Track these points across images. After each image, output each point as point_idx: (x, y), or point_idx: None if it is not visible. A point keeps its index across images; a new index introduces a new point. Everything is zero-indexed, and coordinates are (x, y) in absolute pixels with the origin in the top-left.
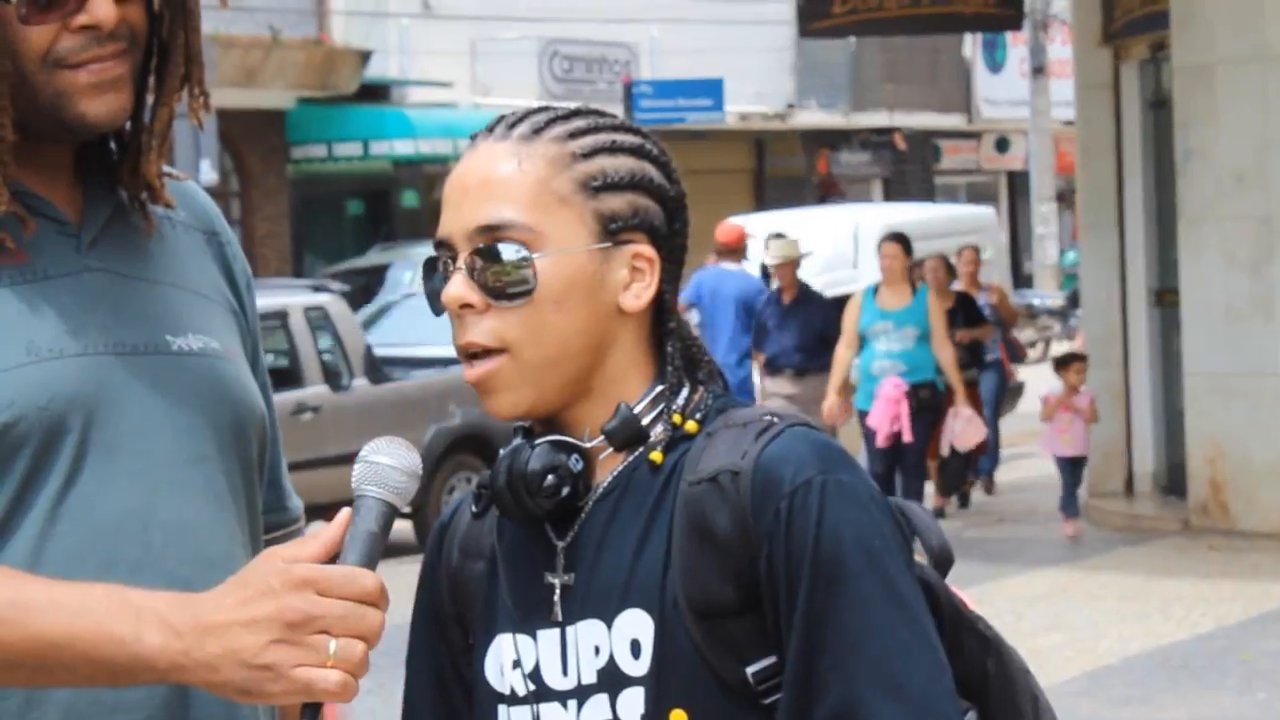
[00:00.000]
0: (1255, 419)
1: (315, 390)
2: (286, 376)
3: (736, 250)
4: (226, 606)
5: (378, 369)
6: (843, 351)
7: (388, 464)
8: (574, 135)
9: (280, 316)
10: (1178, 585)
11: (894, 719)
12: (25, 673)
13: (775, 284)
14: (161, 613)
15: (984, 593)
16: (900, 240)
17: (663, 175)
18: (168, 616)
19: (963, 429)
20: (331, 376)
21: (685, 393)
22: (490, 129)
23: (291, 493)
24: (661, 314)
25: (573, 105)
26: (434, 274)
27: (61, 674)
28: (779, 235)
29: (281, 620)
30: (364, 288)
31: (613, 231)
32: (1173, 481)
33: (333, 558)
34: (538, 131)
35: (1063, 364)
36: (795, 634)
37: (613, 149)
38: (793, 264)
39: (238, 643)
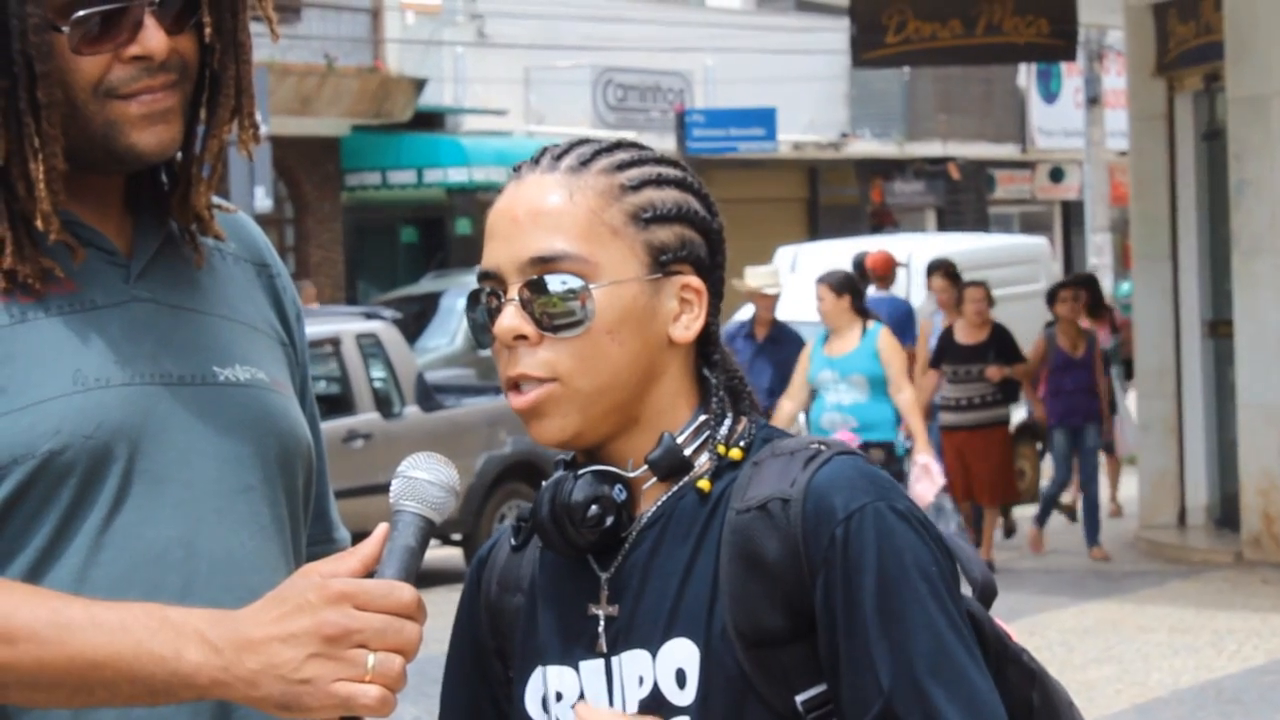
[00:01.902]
0: None
1: (367, 418)
2: (338, 404)
3: (885, 276)
4: (265, 622)
5: (429, 396)
6: (784, 404)
7: (425, 479)
8: (621, 168)
9: (333, 343)
10: (1230, 618)
11: (955, 716)
12: (66, 692)
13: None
14: (201, 630)
15: (1036, 624)
16: (834, 282)
17: (704, 208)
18: (207, 633)
19: (915, 480)
20: (383, 404)
21: (729, 422)
22: (535, 161)
23: (339, 524)
24: (706, 345)
25: (613, 138)
26: (477, 306)
27: (102, 693)
28: (763, 264)
29: (319, 635)
30: (417, 315)
31: (663, 263)
32: (1226, 514)
33: (370, 572)
34: (585, 163)
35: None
36: (860, 657)
37: (659, 181)
38: (774, 297)
39: (277, 658)
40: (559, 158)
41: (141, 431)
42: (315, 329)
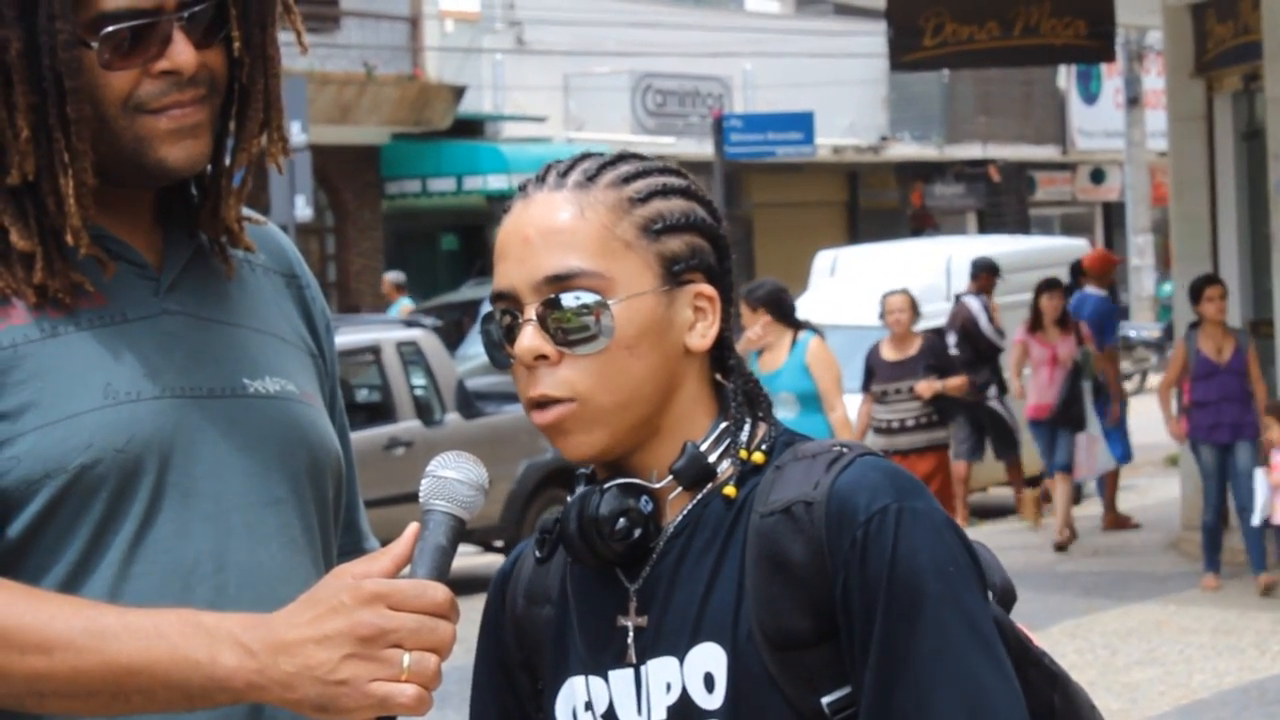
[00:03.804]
0: None
1: (407, 425)
2: (379, 412)
3: (1104, 275)
4: (299, 624)
5: (470, 404)
6: None
7: (455, 478)
8: (627, 180)
9: (373, 352)
10: (1273, 620)
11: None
12: (103, 700)
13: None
14: (235, 633)
15: (1079, 626)
16: (751, 297)
17: (710, 214)
18: (241, 637)
19: None
20: (424, 411)
21: (748, 428)
22: (541, 179)
23: (369, 534)
24: (722, 351)
25: (615, 150)
26: (491, 326)
27: (138, 699)
28: None
29: (354, 635)
30: (457, 323)
31: (675, 273)
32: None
33: (401, 572)
34: (591, 179)
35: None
36: (872, 658)
37: (665, 191)
38: None
39: (312, 659)
40: (565, 174)
41: (172, 445)
42: (356, 337)
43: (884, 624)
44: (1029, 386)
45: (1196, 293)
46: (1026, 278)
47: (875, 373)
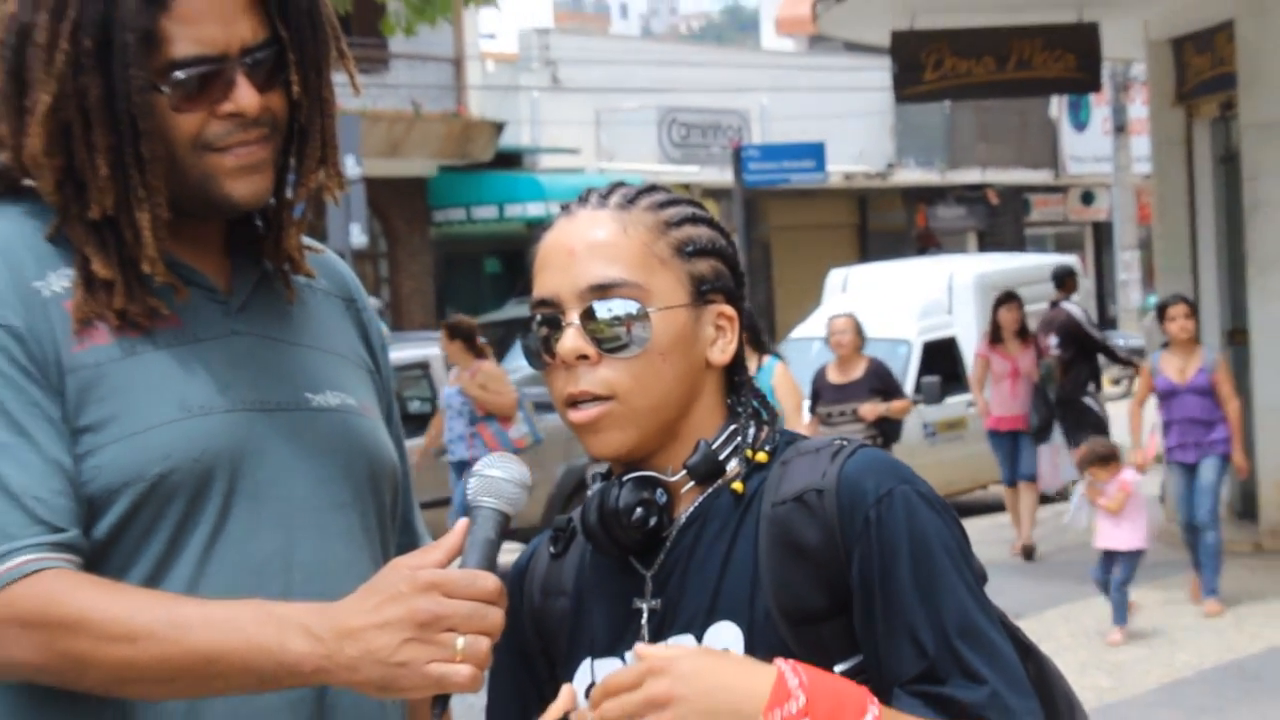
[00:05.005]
0: None
1: None
2: (429, 421)
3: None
4: (362, 611)
5: None
6: None
7: (500, 477)
8: (662, 206)
9: (423, 367)
10: (1251, 602)
11: (987, 673)
12: (184, 685)
13: None
14: (304, 622)
15: (1071, 610)
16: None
17: (729, 243)
18: (310, 625)
19: None
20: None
21: (753, 431)
22: (583, 200)
23: (424, 533)
24: (734, 366)
25: (647, 182)
26: (528, 334)
27: (217, 683)
28: None
29: (413, 621)
30: (501, 339)
31: (702, 292)
32: (1246, 507)
33: (454, 564)
34: (631, 201)
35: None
36: (899, 624)
37: (694, 220)
38: None
39: (374, 644)
40: (605, 197)
41: (242, 454)
42: (407, 353)
43: (907, 588)
44: (991, 399)
45: (1161, 312)
46: (1024, 292)
47: (821, 395)
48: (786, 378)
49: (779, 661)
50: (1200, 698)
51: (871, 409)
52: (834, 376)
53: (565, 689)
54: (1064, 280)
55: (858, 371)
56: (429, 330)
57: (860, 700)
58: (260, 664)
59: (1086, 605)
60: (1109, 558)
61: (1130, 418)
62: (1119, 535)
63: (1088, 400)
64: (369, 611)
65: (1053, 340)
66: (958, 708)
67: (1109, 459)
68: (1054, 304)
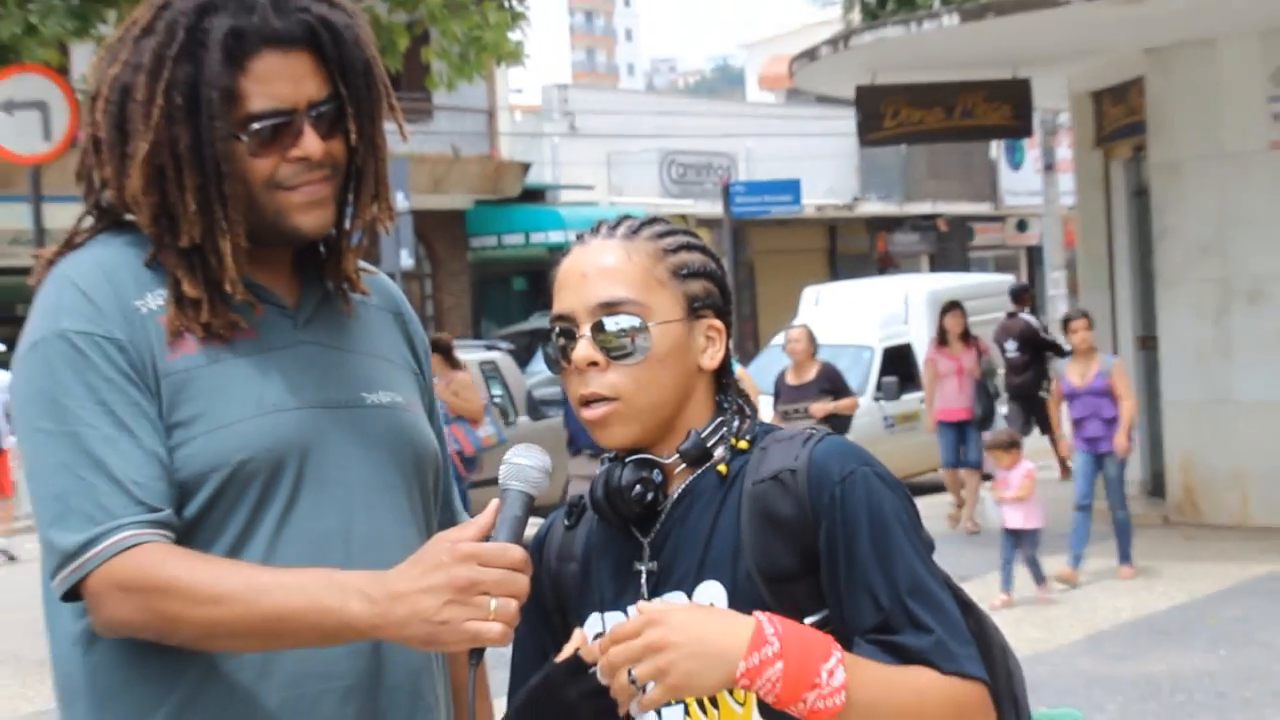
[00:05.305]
0: (1217, 437)
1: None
2: None
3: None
4: (410, 577)
5: (537, 408)
6: None
7: (526, 464)
8: (661, 236)
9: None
10: (1159, 566)
11: (933, 624)
12: (260, 640)
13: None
14: (361, 587)
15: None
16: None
17: (719, 268)
18: (366, 589)
19: None
20: (502, 414)
21: (737, 423)
22: (595, 231)
23: (461, 510)
24: (722, 371)
25: (649, 214)
26: (548, 343)
27: (287, 639)
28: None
29: (453, 586)
30: (527, 346)
31: (695, 309)
32: (1155, 486)
33: (486, 537)
34: (635, 232)
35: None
36: (859, 583)
37: (689, 247)
38: None
39: (420, 605)
40: (614, 229)
41: (308, 445)
42: None
43: (867, 553)
44: (939, 394)
45: (1064, 326)
46: (970, 305)
47: (780, 394)
48: (746, 379)
49: (757, 614)
50: (1117, 647)
51: (821, 407)
52: (791, 378)
53: (577, 632)
54: (1020, 295)
55: (811, 374)
56: (466, 340)
57: (825, 646)
58: (324, 623)
59: (1021, 570)
60: (1013, 536)
61: (1051, 415)
62: (1022, 516)
63: (1042, 394)
64: (416, 578)
65: (1011, 345)
66: (908, 652)
67: (1011, 445)
68: (1011, 314)
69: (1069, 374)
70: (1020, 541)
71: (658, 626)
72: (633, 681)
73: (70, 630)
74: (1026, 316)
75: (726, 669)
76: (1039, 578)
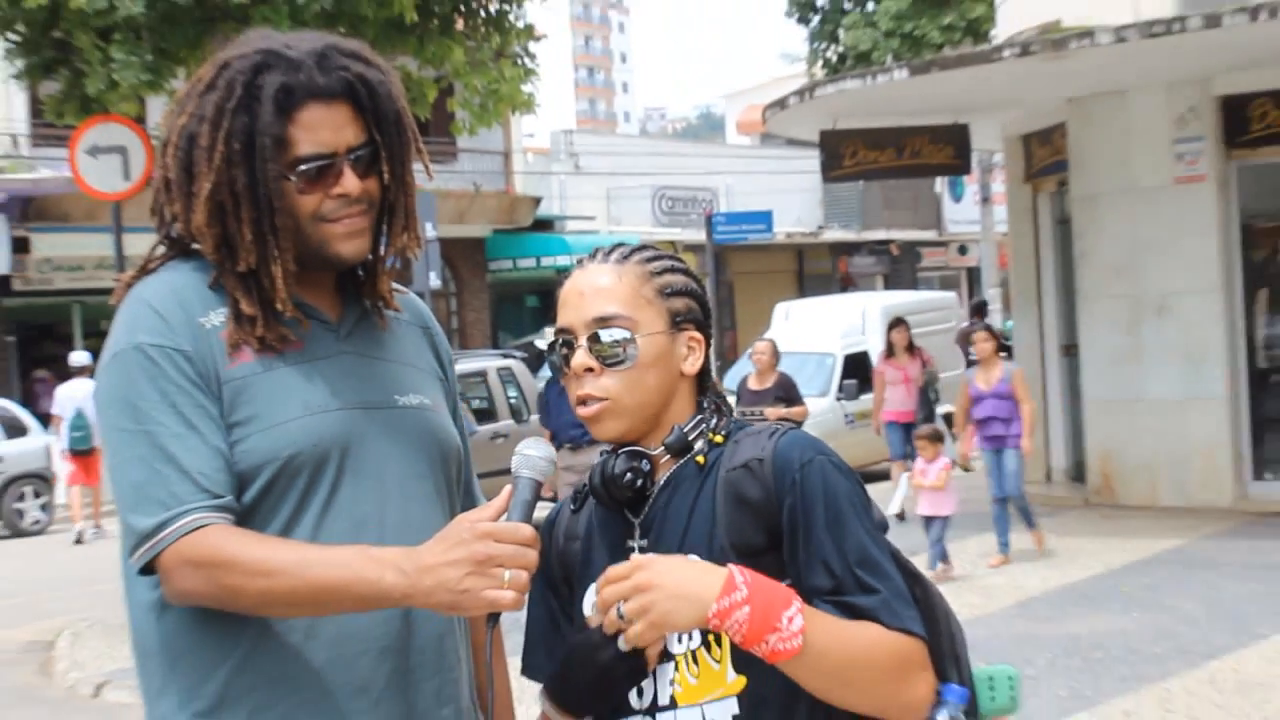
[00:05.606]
0: (1130, 431)
1: (505, 423)
2: (486, 415)
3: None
4: (436, 552)
5: None
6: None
7: (535, 455)
8: (649, 260)
9: (481, 375)
10: (1080, 542)
11: (880, 587)
12: (308, 608)
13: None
14: (395, 561)
15: (951, 550)
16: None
17: (700, 287)
18: (399, 563)
19: None
20: (516, 414)
21: (715, 420)
22: (593, 256)
23: (481, 497)
24: (702, 375)
25: (641, 241)
26: (553, 352)
27: (331, 606)
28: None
29: (472, 560)
30: (537, 355)
31: (677, 322)
32: (1078, 473)
33: (501, 517)
34: (626, 258)
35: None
36: (815, 557)
37: (673, 270)
38: None
39: (444, 576)
40: (608, 254)
41: (349, 441)
42: (469, 365)
43: (821, 532)
44: (888, 398)
45: (968, 338)
46: (917, 318)
47: (740, 398)
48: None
49: (730, 565)
50: (1046, 610)
51: (774, 412)
52: (752, 384)
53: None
54: (979, 309)
55: (770, 382)
56: (486, 349)
57: (787, 596)
58: (363, 592)
59: (962, 546)
60: (928, 521)
61: (956, 420)
62: (932, 504)
63: None
64: (441, 553)
65: (971, 350)
66: (858, 610)
67: (936, 439)
68: (972, 324)
69: (976, 379)
70: (930, 525)
71: (645, 570)
72: (620, 616)
73: (145, 599)
74: (977, 326)
75: (700, 609)
76: (940, 557)
